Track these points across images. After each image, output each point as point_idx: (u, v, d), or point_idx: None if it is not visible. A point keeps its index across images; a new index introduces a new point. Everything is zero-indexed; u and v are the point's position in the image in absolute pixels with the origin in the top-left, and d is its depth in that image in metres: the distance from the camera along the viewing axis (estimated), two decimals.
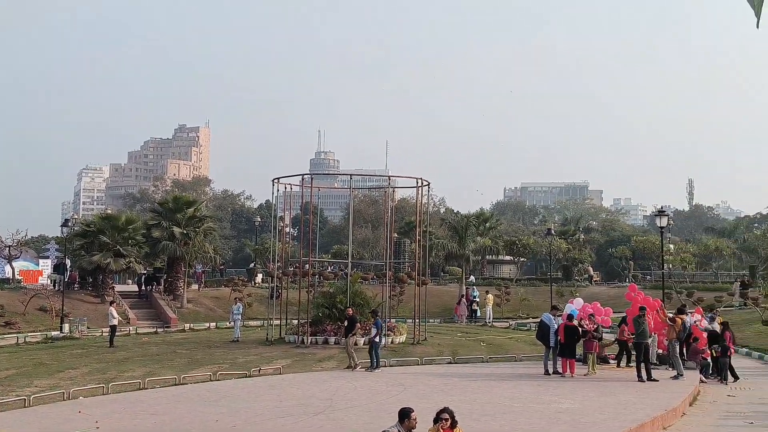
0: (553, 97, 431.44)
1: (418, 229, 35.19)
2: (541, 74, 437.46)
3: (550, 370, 22.13)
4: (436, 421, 10.78)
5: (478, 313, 44.07)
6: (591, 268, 62.97)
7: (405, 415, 10.34)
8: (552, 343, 22.17)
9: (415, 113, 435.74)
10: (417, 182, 33.72)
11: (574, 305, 24.93)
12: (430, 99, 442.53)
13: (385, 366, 24.17)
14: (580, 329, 22.39)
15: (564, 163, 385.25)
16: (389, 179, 37.68)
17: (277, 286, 37.50)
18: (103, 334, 33.48)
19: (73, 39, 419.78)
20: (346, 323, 25.42)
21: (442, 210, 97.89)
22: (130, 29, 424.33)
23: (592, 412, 16.04)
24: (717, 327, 24.01)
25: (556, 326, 22.25)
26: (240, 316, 33.96)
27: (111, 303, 33.46)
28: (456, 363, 25.26)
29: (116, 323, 31.40)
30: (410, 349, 28.70)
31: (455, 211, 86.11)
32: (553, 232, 57.66)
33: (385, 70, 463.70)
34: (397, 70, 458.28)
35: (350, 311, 25.84)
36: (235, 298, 37.11)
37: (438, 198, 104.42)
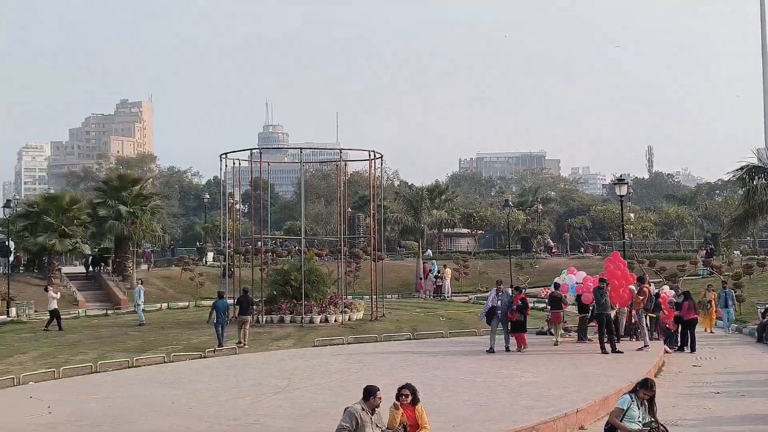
0: (507, 64, 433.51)
1: (372, 203, 35.19)
2: (493, 42, 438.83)
3: (494, 347, 21.62)
4: (397, 397, 10.89)
5: (445, 289, 44.06)
6: (550, 240, 63.79)
7: (370, 392, 10.42)
8: (499, 318, 21.86)
9: (364, 83, 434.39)
10: (369, 155, 33.69)
11: (576, 277, 24.58)
12: (379, 68, 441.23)
13: (342, 344, 24.30)
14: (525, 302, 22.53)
15: (520, 132, 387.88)
16: (341, 152, 37.54)
17: (229, 264, 37.28)
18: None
19: (7, 9, 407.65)
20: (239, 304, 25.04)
21: (396, 183, 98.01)
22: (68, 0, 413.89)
23: (556, 385, 16.31)
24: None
25: (498, 302, 22.00)
26: (142, 299, 31.96)
27: (46, 288, 32.68)
28: (415, 339, 25.42)
29: (56, 306, 30.66)
30: (368, 326, 28.80)
31: (409, 184, 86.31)
32: (510, 203, 58.14)
33: (330, 38, 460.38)
34: (341, 40, 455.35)
35: (244, 292, 25.58)
36: (137, 280, 36.09)
37: (392, 171, 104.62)
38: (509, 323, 21.99)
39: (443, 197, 62.93)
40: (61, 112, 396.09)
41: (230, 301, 26.20)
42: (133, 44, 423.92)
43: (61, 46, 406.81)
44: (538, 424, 12.60)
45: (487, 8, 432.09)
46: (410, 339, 25.51)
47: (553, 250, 60.10)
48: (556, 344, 22.68)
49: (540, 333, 25.31)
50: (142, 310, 31.88)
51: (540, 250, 59.69)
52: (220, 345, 23.35)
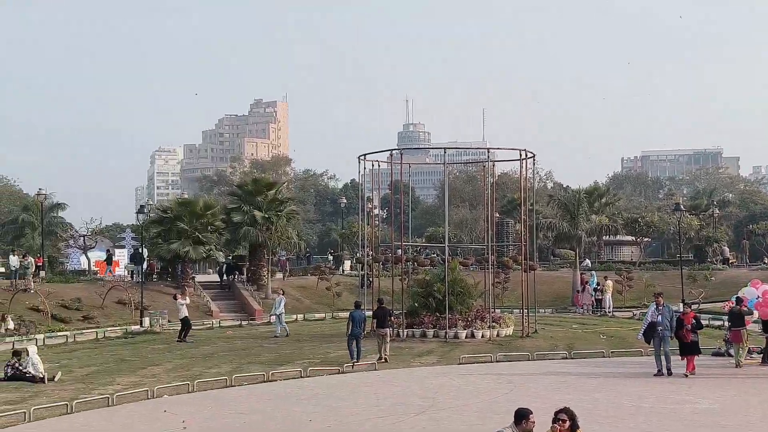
0: (674, 49, 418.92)
1: (522, 208, 34.92)
2: (658, 26, 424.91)
3: (663, 369, 20.89)
4: (553, 422, 10.72)
5: (606, 303, 43.04)
6: (727, 249, 61.04)
7: (522, 416, 10.32)
8: (661, 336, 21.00)
9: (513, 76, 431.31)
10: (520, 155, 33.41)
11: (759, 290, 23.48)
12: (526, 58, 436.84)
13: (490, 361, 24.17)
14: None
15: (692, 127, 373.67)
16: (488, 152, 37.36)
17: (367, 273, 37.87)
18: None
19: (138, 9, 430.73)
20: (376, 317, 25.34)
21: (550, 185, 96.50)
22: None
23: (736, 413, 15.64)
24: None
25: (658, 317, 21.16)
26: (282, 310, 33.23)
27: (175, 296, 34.18)
28: (572, 358, 24.95)
29: (186, 314, 32.13)
30: (519, 343, 28.59)
31: (564, 186, 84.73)
32: (682, 206, 55.83)
33: (476, 28, 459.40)
34: (488, 28, 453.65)
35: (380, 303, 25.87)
36: (279, 290, 36.97)
37: (544, 171, 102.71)
38: (680, 344, 21.23)
39: (603, 200, 61.27)
40: (194, 113, 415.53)
41: (369, 313, 26.61)
42: (267, 41, 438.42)
43: (194, 45, 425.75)
44: None
45: None
46: (566, 358, 25.05)
47: (732, 261, 57.46)
48: (738, 366, 21.77)
49: (716, 354, 24.35)
50: (285, 321, 33.08)
51: (716, 261, 57.23)
52: (352, 358, 23.76)
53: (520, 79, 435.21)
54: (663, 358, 21.02)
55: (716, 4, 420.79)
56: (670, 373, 20.80)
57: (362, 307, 25.59)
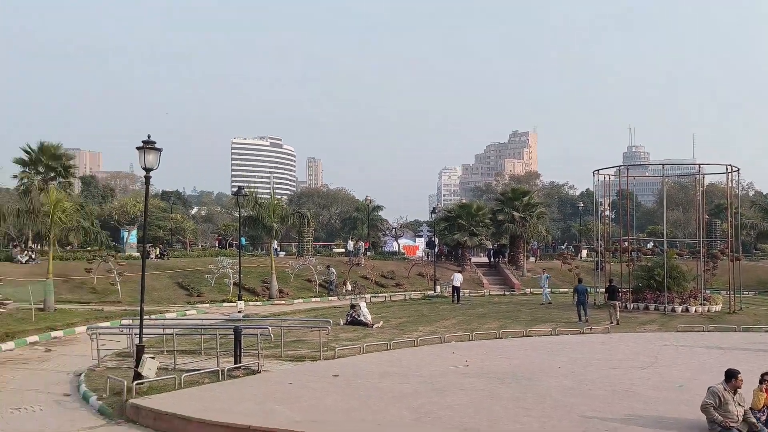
0: None
1: (729, 210, 31.65)
2: None
3: None
4: (761, 382, 9.78)
5: None
6: None
7: (732, 375, 9.49)
8: None
9: (721, 103, 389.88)
10: (727, 168, 30.34)
11: None
12: (737, 85, 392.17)
13: (703, 331, 22.21)
14: None
15: None
16: (698, 167, 34.36)
17: (600, 259, 36.15)
18: (467, 294, 35.04)
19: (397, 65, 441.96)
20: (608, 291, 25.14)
21: (751, 193, 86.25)
22: (462, 66, 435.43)
23: None
24: None
25: None
26: (546, 284, 32.84)
27: (457, 272, 34.76)
28: None
29: (458, 285, 32.63)
30: (726, 317, 26.00)
31: (765, 194, 75.42)
32: None
33: (688, 64, 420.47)
34: (696, 63, 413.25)
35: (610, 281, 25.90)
36: (543, 269, 35.95)
37: (746, 182, 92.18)
38: None
39: None
40: (468, 142, 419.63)
41: (601, 290, 25.53)
42: (523, 83, 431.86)
43: (475, 89, 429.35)
44: None
45: None
46: None
47: None
48: None
49: None
50: (549, 293, 32.72)
51: None
52: (579, 319, 23.66)
53: (730, 102, 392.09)
54: None
55: None
56: None
57: (583, 282, 25.99)
